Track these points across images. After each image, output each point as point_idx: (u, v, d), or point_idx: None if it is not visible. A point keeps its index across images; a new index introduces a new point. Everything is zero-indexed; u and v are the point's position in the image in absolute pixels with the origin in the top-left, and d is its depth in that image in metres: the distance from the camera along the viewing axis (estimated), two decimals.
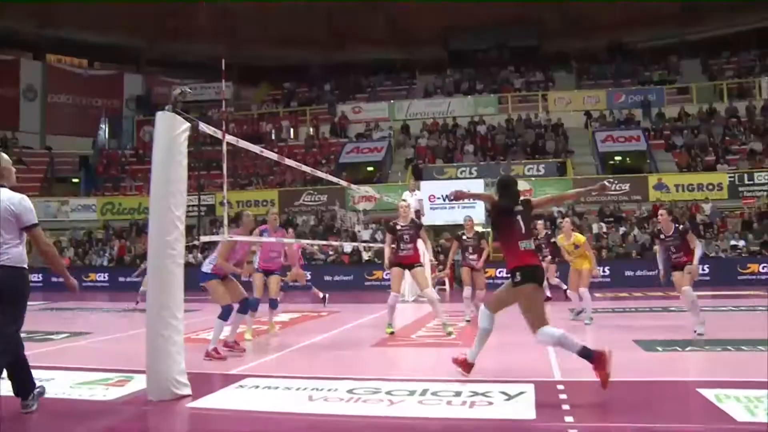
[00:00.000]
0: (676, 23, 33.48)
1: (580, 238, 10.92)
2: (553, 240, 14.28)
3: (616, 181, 23.73)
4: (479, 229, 13.87)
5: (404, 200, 16.16)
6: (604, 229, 22.04)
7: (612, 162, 26.99)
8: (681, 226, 9.32)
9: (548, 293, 14.53)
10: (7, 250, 4.69)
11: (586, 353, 5.42)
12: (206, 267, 7.95)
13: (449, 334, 9.13)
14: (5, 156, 4.88)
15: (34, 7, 32.87)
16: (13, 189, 4.99)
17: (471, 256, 11.11)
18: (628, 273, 19.97)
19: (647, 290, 16.98)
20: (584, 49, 35.03)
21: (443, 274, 14.72)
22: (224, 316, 7.78)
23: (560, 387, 5.70)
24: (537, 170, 25.32)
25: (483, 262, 11.26)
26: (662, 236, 9.18)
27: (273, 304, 10.09)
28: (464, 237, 11.31)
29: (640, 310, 12.73)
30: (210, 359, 7.40)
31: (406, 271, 9.84)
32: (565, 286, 14.66)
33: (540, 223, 14.30)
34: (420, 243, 9.92)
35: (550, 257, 14.08)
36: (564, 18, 34.90)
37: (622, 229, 21.92)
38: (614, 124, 27.99)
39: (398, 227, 9.68)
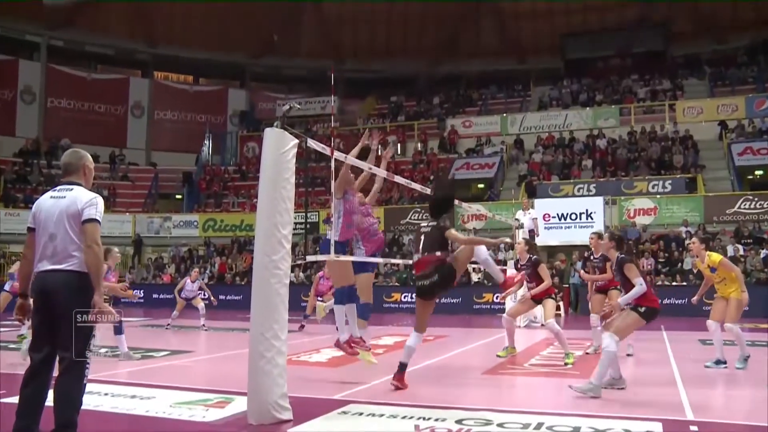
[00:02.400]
0: None
1: (714, 258, 8.87)
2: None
3: (756, 198, 22.52)
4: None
5: (517, 219, 16.03)
6: (741, 252, 20.83)
7: (751, 177, 25.62)
8: (622, 256, 7.35)
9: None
10: (74, 252, 4.42)
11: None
12: None
13: (567, 364, 8.88)
14: (89, 157, 4.84)
15: (144, 27, 34.92)
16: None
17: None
18: None
19: None
20: (719, 51, 33.43)
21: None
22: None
23: (693, 429, 5.40)
24: (663, 187, 24.18)
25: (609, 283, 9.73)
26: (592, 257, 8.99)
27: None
28: (592, 257, 10.23)
29: None
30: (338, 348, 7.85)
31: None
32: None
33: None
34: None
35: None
36: (694, 18, 33.39)
37: (763, 252, 20.66)
38: (755, 134, 26.45)
39: (519, 265, 9.86)
